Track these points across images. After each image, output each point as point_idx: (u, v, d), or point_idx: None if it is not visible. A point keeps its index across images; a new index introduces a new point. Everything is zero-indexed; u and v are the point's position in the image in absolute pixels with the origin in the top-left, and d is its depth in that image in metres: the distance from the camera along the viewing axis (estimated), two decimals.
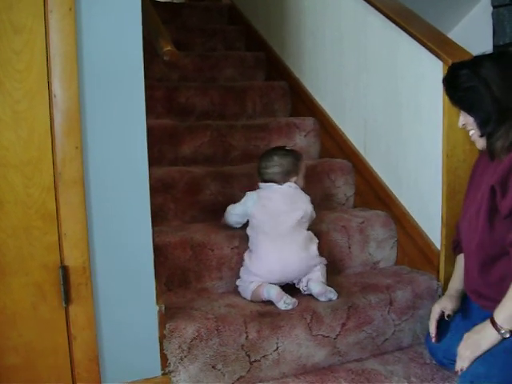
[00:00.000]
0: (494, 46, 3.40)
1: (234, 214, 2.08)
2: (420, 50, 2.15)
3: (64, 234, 1.52)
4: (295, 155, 2.13)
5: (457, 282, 1.88)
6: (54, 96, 1.48)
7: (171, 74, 3.19)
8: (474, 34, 3.48)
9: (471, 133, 1.67)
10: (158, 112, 2.80)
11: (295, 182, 2.07)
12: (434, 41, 2.12)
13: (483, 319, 1.63)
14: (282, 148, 2.19)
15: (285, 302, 1.85)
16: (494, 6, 3.38)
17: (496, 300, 1.58)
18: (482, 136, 1.62)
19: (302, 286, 1.96)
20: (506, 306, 1.52)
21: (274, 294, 1.86)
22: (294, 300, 1.87)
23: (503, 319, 1.52)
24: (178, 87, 2.92)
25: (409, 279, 2.12)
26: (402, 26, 2.26)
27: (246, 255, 1.99)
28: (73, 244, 1.53)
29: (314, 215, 2.08)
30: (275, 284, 1.90)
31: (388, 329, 2.00)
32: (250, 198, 2.04)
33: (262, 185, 2.09)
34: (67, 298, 1.55)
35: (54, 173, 1.50)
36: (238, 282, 1.99)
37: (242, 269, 1.99)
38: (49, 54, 1.46)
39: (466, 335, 1.60)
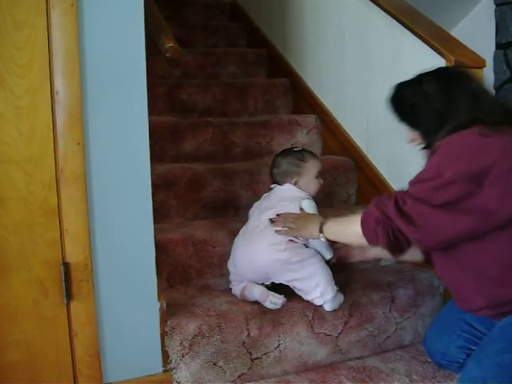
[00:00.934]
0: (497, 44, 3.40)
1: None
2: (423, 48, 2.15)
3: (66, 230, 1.52)
4: (298, 156, 2.01)
5: None
6: (56, 92, 1.47)
7: (173, 71, 3.19)
8: (477, 32, 3.48)
9: (419, 147, 1.72)
10: (159, 109, 2.80)
11: (295, 184, 1.97)
12: (437, 39, 2.12)
13: (478, 319, 1.70)
14: (290, 149, 2.11)
15: (271, 302, 1.80)
16: (497, 4, 3.37)
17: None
18: (426, 148, 1.67)
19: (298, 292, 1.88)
20: (337, 226, 1.73)
21: (257, 293, 1.82)
22: (282, 299, 1.81)
23: (328, 232, 1.74)
24: (179, 84, 2.92)
25: (410, 277, 2.11)
26: (405, 24, 2.26)
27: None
28: (74, 240, 1.53)
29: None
30: (255, 282, 1.85)
31: (389, 327, 2.00)
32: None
33: (271, 187, 2.04)
34: (69, 295, 1.55)
35: (55, 169, 1.50)
36: (230, 286, 1.96)
37: None
38: (51, 50, 1.46)
39: (301, 214, 1.85)
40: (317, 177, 2.01)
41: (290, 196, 1.94)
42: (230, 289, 1.94)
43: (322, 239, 1.75)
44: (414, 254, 1.74)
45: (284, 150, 2.09)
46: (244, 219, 2.02)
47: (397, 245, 1.54)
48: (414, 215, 1.48)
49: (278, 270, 1.82)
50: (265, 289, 1.83)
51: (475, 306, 1.61)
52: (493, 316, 1.59)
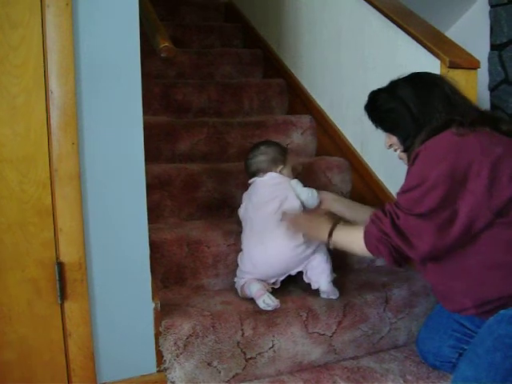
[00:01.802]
0: (492, 45, 3.41)
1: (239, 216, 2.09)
2: (418, 49, 2.15)
3: (60, 230, 1.52)
4: (282, 147, 2.12)
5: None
6: (51, 91, 1.47)
7: (168, 70, 3.19)
8: (472, 33, 3.49)
9: (397, 151, 1.75)
10: (154, 109, 2.80)
11: (280, 172, 2.03)
12: (431, 39, 2.13)
13: (467, 317, 1.73)
14: (268, 140, 2.21)
15: (264, 302, 1.81)
16: (492, 6, 3.39)
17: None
18: (404, 152, 1.71)
19: (304, 277, 1.93)
20: (343, 236, 1.73)
21: (254, 290, 1.84)
22: (275, 302, 1.82)
23: (335, 240, 1.73)
24: (175, 84, 2.92)
25: (405, 277, 2.12)
26: (400, 24, 2.26)
27: (239, 255, 1.97)
28: (69, 240, 1.53)
29: (309, 202, 2.00)
30: (265, 280, 1.89)
31: (384, 327, 2.00)
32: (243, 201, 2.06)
33: (249, 183, 2.07)
34: (63, 295, 1.54)
35: (50, 169, 1.49)
36: (235, 279, 1.98)
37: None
38: (45, 49, 1.45)
39: (312, 216, 1.87)
40: (294, 169, 2.12)
41: (279, 182, 2.00)
42: (234, 282, 1.96)
43: (330, 246, 1.76)
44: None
45: (262, 142, 2.16)
46: (239, 220, 2.04)
47: (401, 258, 1.58)
48: (407, 231, 1.52)
49: (296, 263, 1.90)
50: (263, 287, 1.85)
51: (461, 307, 1.63)
52: (478, 314, 1.61)
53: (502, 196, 1.47)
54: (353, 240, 1.68)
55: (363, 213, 1.95)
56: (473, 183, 1.46)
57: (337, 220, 1.80)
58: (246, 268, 1.90)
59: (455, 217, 1.48)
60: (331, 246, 1.75)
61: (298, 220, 1.86)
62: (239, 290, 1.91)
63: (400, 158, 1.76)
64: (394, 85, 1.70)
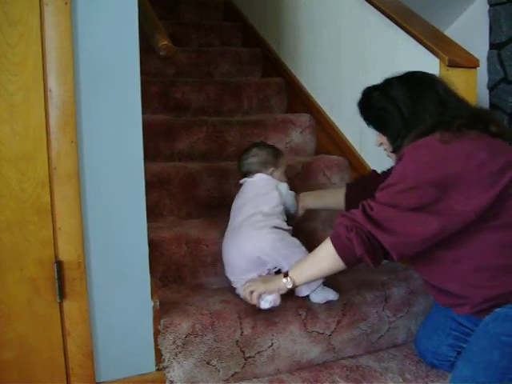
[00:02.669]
0: (491, 44, 3.41)
1: None
2: (417, 48, 2.15)
3: (59, 228, 1.52)
4: (275, 149, 2.11)
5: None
6: (50, 90, 1.47)
7: (167, 69, 3.19)
8: (471, 32, 3.49)
9: (386, 151, 1.77)
10: (153, 107, 2.80)
11: (271, 174, 2.03)
12: (431, 38, 2.13)
13: (465, 316, 1.72)
14: (262, 142, 2.21)
15: (262, 298, 1.74)
16: (491, 4, 3.39)
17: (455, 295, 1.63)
18: (393, 152, 1.72)
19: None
20: (302, 264, 1.68)
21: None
22: (273, 297, 1.73)
23: (295, 275, 1.67)
24: (173, 83, 2.92)
25: (404, 276, 2.12)
26: (399, 23, 2.26)
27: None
28: (67, 239, 1.53)
29: (276, 199, 1.97)
30: (251, 274, 1.85)
31: (383, 326, 2.00)
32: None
33: (240, 183, 2.08)
34: (62, 293, 1.54)
35: (48, 167, 1.49)
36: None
37: None
38: (44, 47, 1.45)
39: (261, 277, 1.80)
40: (284, 173, 2.11)
41: (266, 184, 2.01)
42: (233, 288, 1.93)
43: (289, 286, 1.68)
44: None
45: (256, 143, 2.17)
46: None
47: (374, 251, 1.52)
48: (380, 219, 1.50)
49: (269, 251, 1.83)
50: None
51: (455, 304, 1.65)
52: (473, 313, 1.61)
53: (481, 201, 1.46)
54: (316, 256, 1.64)
55: (335, 195, 2.07)
56: (454, 191, 1.46)
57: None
58: (225, 267, 1.91)
59: (433, 213, 1.47)
60: (289, 285, 1.68)
61: (254, 283, 1.76)
62: (241, 293, 1.83)
63: (388, 157, 1.77)
64: (388, 84, 1.70)
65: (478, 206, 1.46)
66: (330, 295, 1.89)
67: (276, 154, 2.09)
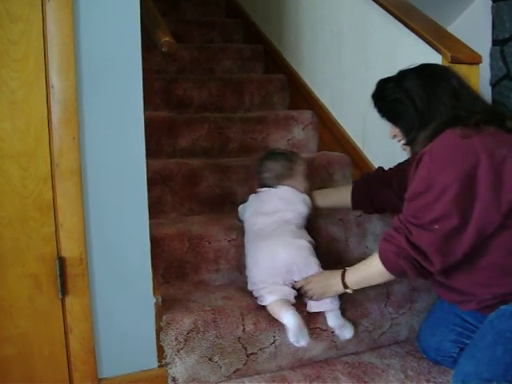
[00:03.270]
0: (493, 40, 3.40)
1: (239, 212, 2.11)
2: (419, 44, 2.15)
3: (61, 225, 1.52)
4: (288, 158, 2.06)
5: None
6: (52, 86, 1.46)
7: (169, 66, 3.18)
8: (474, 28, 3.48)
9: (400, 143, 1.76)
10: (155, 104, 2.80)
11: (290, 185, 2.01)
12: (433, 35, 2.12)
13: (469, 312, 1.72)
14: (275, 151, 2.17)
15: (296, 337, 1.72)
16: (494, 1, 3.38)
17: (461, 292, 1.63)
18: (407, 144, 1.72)
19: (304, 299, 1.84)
20: (358, 274, 1.72)
21: (291, 323, 1.71)
22: (307, 338, 1.73)
23: (351, 284, 1.73)
24: (175, 79, 2.91)
25: None
26: (402, 20, 2.26)
27: (246, 272, 1.91)
28: (69, 235, 1.53)
29: (305, 212, 1.99)
30: (277, 283, 1.80)
31: (385, 322, 2.00)
32: (249, 200, 2.05)
33: (259, 190, 2.05)
34: (64, 290, 1.54)
35: (50, 163, 1.49)
36: (249, 287, 1.87)
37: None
38: (46, 43, 1.45)
39: (319, 276, 1.79)
40: (306, 176, 2.08)
41: (291, 198, 1.98)
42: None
43: (350, 291, 1.75)
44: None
45: (271, 154, 2.13)
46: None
47: (424, 269, 1.55)
48: (421, 245, 1.51)
49: (302, 260, 1.81)
50: (302, 321, 1.74)
51: (461, 300, 1.65)
52: (479, 309, 1.62)
53: (508, 198, 1.47)
54: (370, 272, 1.69)
55: (342, 193, 2.11)
56: (480, 187, 1.46)
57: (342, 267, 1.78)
58: (251, 273, 1.83)
59: (467, 223, 1.47)
60: (351, 291, 1.75)
61: (309, 284, 1.78)
62: (265, 302, 1.79)
63: (403, 150, 1.76)
64: (402, 75, 1.70)
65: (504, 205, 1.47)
66: (348, 333, 1.87)
67: (290, 164, 2.04)
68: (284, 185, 2.00)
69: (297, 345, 1.74)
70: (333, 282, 1.76)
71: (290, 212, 1.93)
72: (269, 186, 2.02)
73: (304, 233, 1.93)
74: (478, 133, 1.50)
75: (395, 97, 1.68)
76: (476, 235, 1.48)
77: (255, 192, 2.07)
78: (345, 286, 1.73)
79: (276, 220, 1.90)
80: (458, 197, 1.46)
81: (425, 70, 1.69)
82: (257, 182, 2.10)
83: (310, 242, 1.88)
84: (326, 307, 1.82)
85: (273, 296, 1.76)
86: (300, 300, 1.82)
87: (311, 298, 1.80)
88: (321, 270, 1.82)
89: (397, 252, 1.55)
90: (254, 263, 1.85)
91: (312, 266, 1.82)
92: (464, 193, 1.46)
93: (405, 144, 1.72)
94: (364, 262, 1.71)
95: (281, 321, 1.75)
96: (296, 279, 1.82)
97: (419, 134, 1.60)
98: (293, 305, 1.77)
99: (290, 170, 2.03)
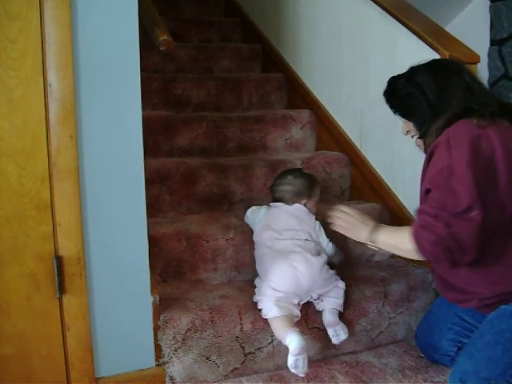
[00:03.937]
0: (491, 40, 3.40)
1: (247, 216, 2.10)
2: (418, 44, 2.15)
3: (58, 223, 1.52)
4: (311, 179, 2.08)
5: None
6: (49, 85, 1.46)
7: (167, 65, 3.18)
8: (472, 28, 3.48)
9: (414, 138, 1.75)
10: (153, 103, 2.80)
11: (305, 205, 2.01)
12: (431, 34, 2.12)
13: (468, 312, 1.72)
14: (299, 169, 2.18)
15: (296, 361, 1.64)
16: (492, 1, 3.38)
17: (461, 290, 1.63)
18: (420, 137, 1.71)
19: (314, 301, 1.88)
20: (390, 238, 1.66)
21: (294, 343, 1.65)
22: (305, 368, 1.66)
23: (378, 241, 1.67)
24: (174, 78, 2.91)
25: (404, 272, 2.12)
26: (400, 19, 2.26)
27: (258, 281, 1.90)
28: (67, 234, 1.53)
29: (327, 252, 1.98)
30: (292, 299, 1.80)
31: (383, 322, 2.00)
32: (260, 212, 2.03)
33: (272, 204, 2.05)
34: (61, 289, 1.54)
35: (48, 162, 1.49)
36: (255, 298, 1.85)
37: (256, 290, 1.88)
38: (44, 42, 1.45)
39: (354, 212, 1.74)
40: (318, 202, 2.08)
41: (306, 214, 1.99)
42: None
43: (369, 245, 1.71)
44: None
45: (297, 170, 2.14)
46: (238, 214, 2.05)
47: (456, 262, 1.52)
48: (460, 237, 1.46)
49: (322, 281, 1.84)
50: (304, 344, 1.68)
51: (463, 299, 1.64)
52: (479, 308, 1.62)
53: None
54: (400, 244, 1.61)
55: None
56: (500, 178, 1.46)
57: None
58: (276, 285, 1.79)
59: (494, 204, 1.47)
60: (373, 245, 1.69)
61: (342, 216, 1.76)
62: (269, 314, 1.76)
63: (417, 145, 1.75)
64: (414, 71, 1.69)
65: None
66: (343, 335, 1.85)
67: (311, 185, 2.05)
68: (300, 203, 2.01)
69: (293, 370, 1.65)
70: (363, 226, 1.71)
71: (302, 231, 1.93)
72: (283, 201, 2.02)
73: (319, 246, 1.95)
74: (493, 124, 1.50)
75: (407, 91, 1.67)
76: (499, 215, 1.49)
77: (268, 205, 2.06)
78: (371, 238, 1.68)
79: (296, 237, 1.90)
80: (477, 180, 1.44)
81: (436, 64, 1.70)
82: (272, 193, 2.09)
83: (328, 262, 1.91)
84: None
85: (281, 311, 1.74)
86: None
87: (334, 227, 1.77)
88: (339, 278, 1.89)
89: (435, 241, 1.48)
90: (274, 275, 1.81)
91: (330, 280, 1.88)
92: (486, 178, 1.46)
93: (418, 138, 1.71)
94: (398, 233, 1.64)
95: (281, 340, 1.71)
96: (314, 296, 1.85)
97: (431, 126, 1.61)
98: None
99: (309, 191, 2.04)
